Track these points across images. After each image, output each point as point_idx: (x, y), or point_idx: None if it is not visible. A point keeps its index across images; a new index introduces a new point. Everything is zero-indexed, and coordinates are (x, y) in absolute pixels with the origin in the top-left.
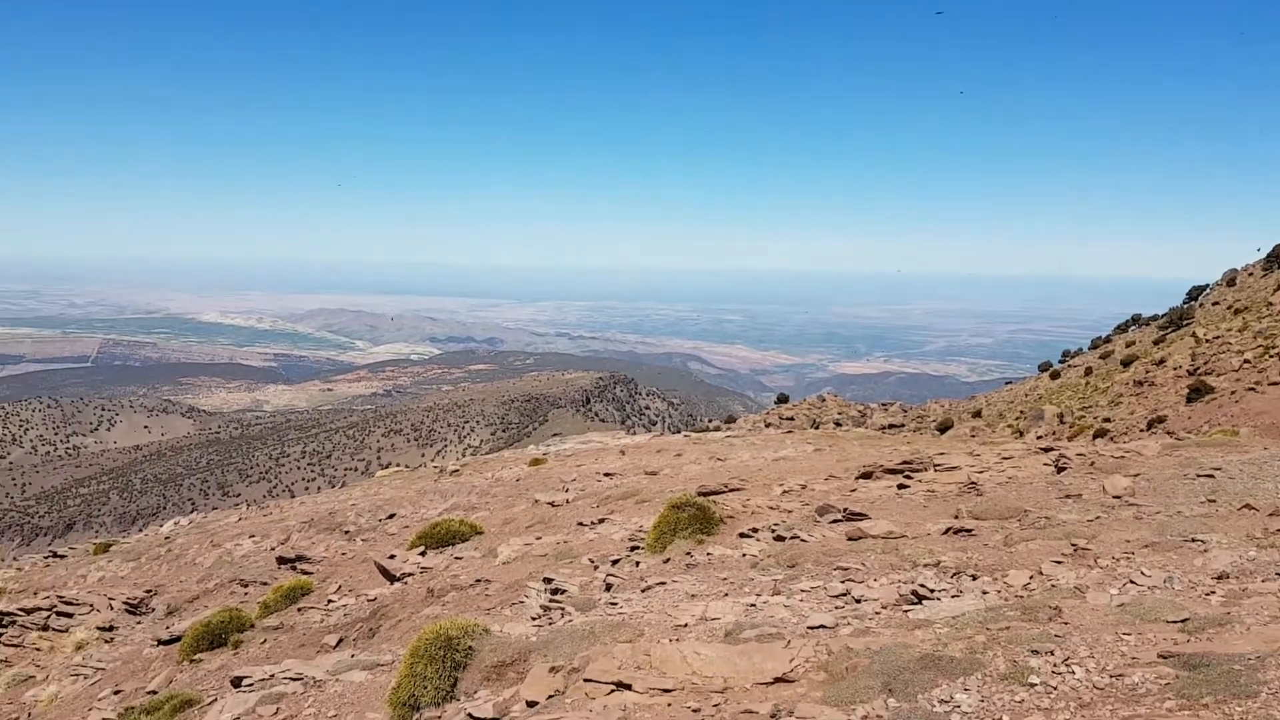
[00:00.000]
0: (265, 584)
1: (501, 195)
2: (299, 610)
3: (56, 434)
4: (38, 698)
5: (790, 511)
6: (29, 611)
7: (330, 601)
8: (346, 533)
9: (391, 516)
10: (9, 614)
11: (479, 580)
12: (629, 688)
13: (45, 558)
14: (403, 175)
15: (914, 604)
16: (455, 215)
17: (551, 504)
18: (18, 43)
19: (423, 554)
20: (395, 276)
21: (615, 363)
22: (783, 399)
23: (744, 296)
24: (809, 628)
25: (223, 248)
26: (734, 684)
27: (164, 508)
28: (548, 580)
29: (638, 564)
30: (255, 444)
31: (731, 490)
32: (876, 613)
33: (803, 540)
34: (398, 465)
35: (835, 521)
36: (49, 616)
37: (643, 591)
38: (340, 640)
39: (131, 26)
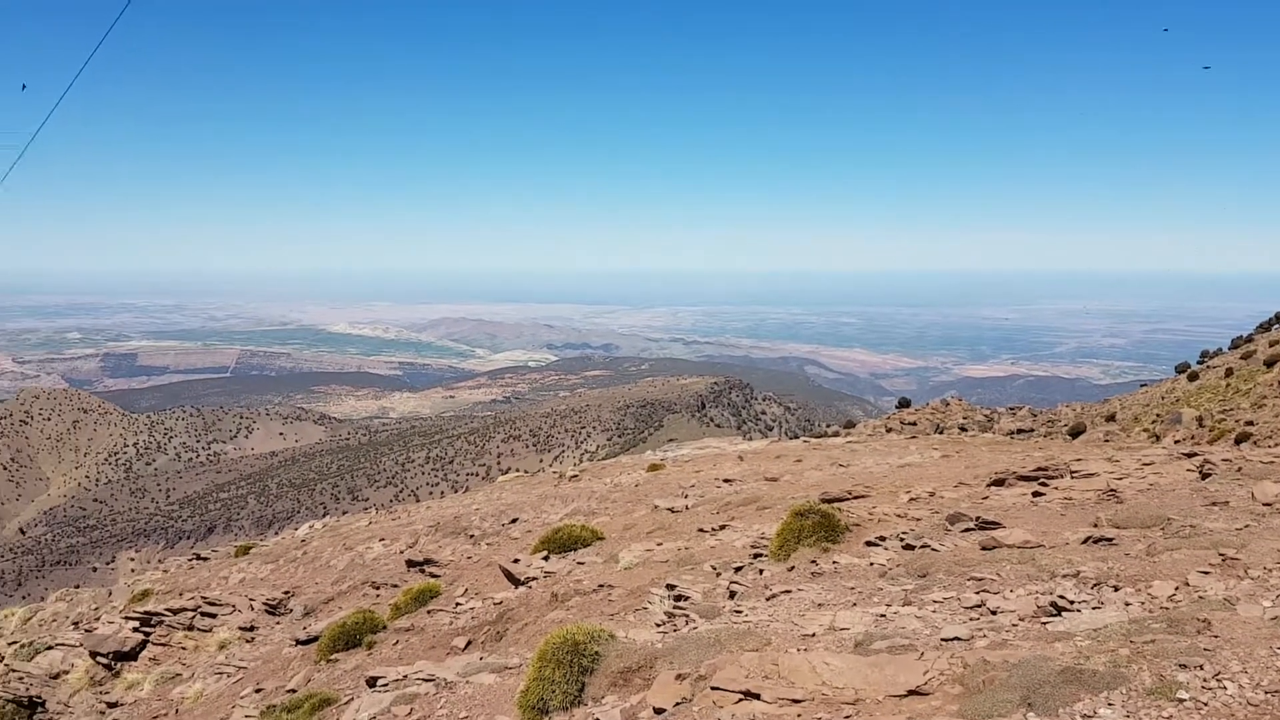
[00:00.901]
0: (395, 586)
1: (622, 203)
2: (428, 613)
3: (198, 441)
4: (184, 695)
5: (919, 520)
6: (175, 612)
7: (458, 604)
8: (471, 537)
9: (514, 521)
10: (157, 614)
11: (601, 585)
12: (757, 697)
13: (189, 560)
14: (526, 187)
15: (1053, 616)
16: (573, 223)
17: (671, 510)
18: (186, 65)
19: (545, 559)
20: (513, 286)
21: (730, 367)
22: (904, 403)
23: (862, 298)
24: (943, 639)
25: (352, 260)
26: (865, 696)
27: (298, 512)
28: (670, 587)
29: (761, 572)
30: (382, 450)
31: (856, 497)
32: (1013, 625)
33: (933, 549)
34: (517, 470)
35: (967, 530)
36: (194, 617)
37: (768, 600)
38: (469, 643)
39: (291, 32)
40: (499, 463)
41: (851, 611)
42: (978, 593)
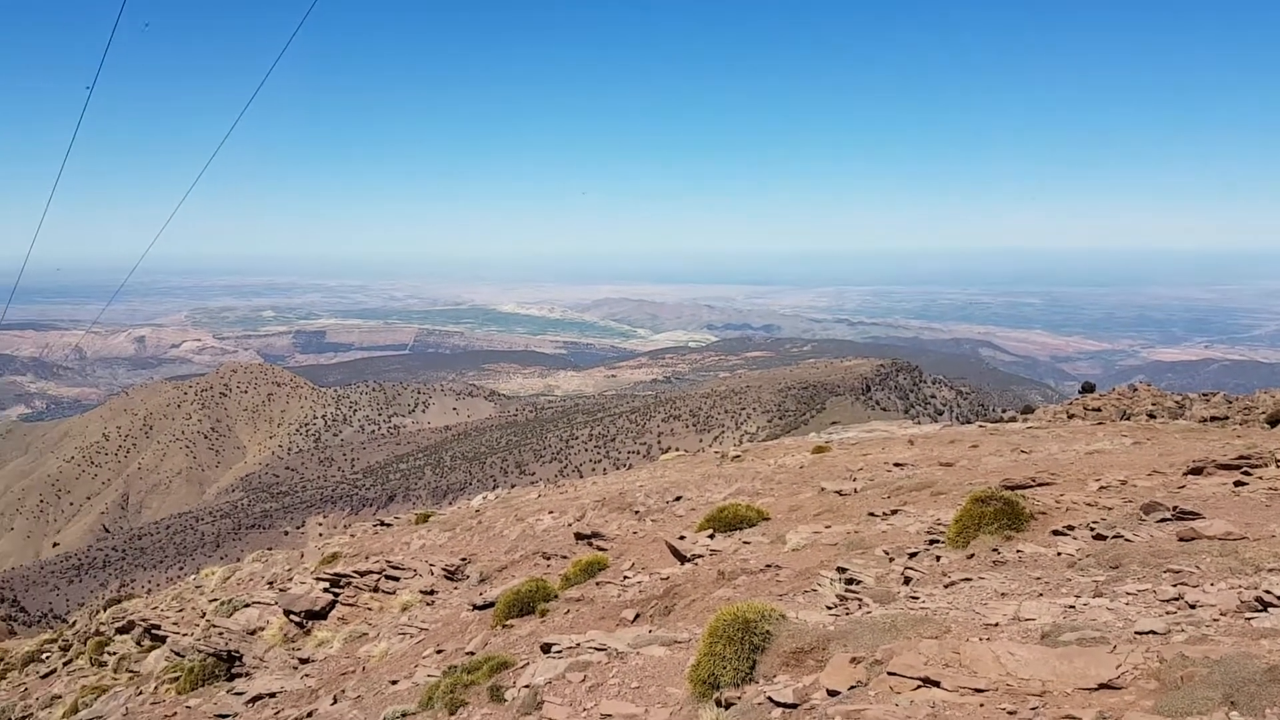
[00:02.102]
0: (565, 557)
1: (789, 181)
2: (597, 584)
3: (380, 414)
4: (370, 653)
5: (1110, 509)
6: (362, 574)
7: (626, 578)
8: (636, 513)
9: (678, 499)
10: (345, 576)
11: (769, 566)
12: (937, 685)
13: (374, 526)
14: (688, 168)
15: (1258, 611)
16: (732, 203)
17: (839, 493)
18: (367, 52)
19: (711, 537)
20: (675, 266)
21: (898, 349)
22: (1088, 388)
23: (1044, 277)
24: (1136, 633)
25: (522, 242)
26: (1053, 688)
27: (470, 483)
28: (841, 570)
29: (938, 558)
30: (548, 426)
31: (1040, 485)
32: (1214, 619)
33: (1126, 540)
34: (677, 450)
35: (1163, 520)
36: (379, 580)
37: (946, 587)
38: (637, 615)
39: (477, 29)
40: (659, 442)
41: (1037, 602)
42: (1175, 585)
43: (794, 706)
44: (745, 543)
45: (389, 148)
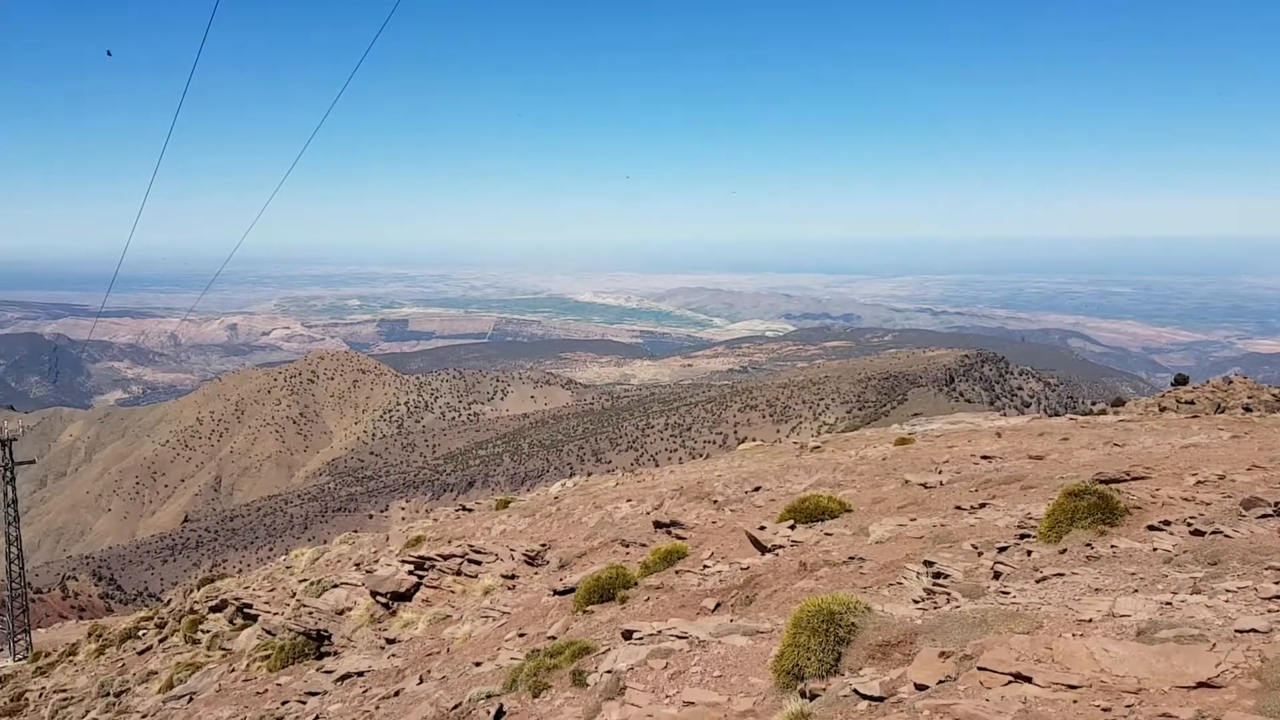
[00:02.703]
0: (644, 545)
1: (868, 169)
2: (676, 573)
3: (460, 401)
4: (454, 635)
5: (1208, 504)
6: (445, 558)
7: (705, 567)
8: (715, 502)
9: (757, 489)
10: (429, 559)
11: (852, 558)
12: (1029, 680)
13: (456, 511)
14: (766, 156)
15: None
16: (811, 191)
17: (924, 485)
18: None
19: (791, 528)
20: (751, 256)
21: (982, 339)
22: (1181, 380)
23: (1135, 266)
24: (1237, 631)
25: (597, 232)
26: (1149, 685)
27: (547, 471)
28: (928, 563)
29: (1029, 553)
30: (623, 415)
31: (1135, 479)
32: None
33: (1226, 536)
34: (753, 440)
35: (1264, 516)
36: (461, 563)
37: (1037, 582)
38: (717, 604)
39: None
40: (735, 432)
41: (1133, 598)
42: (1276, 583)
43: (881, 700)
44: (827, 534)
45: (468, 138)
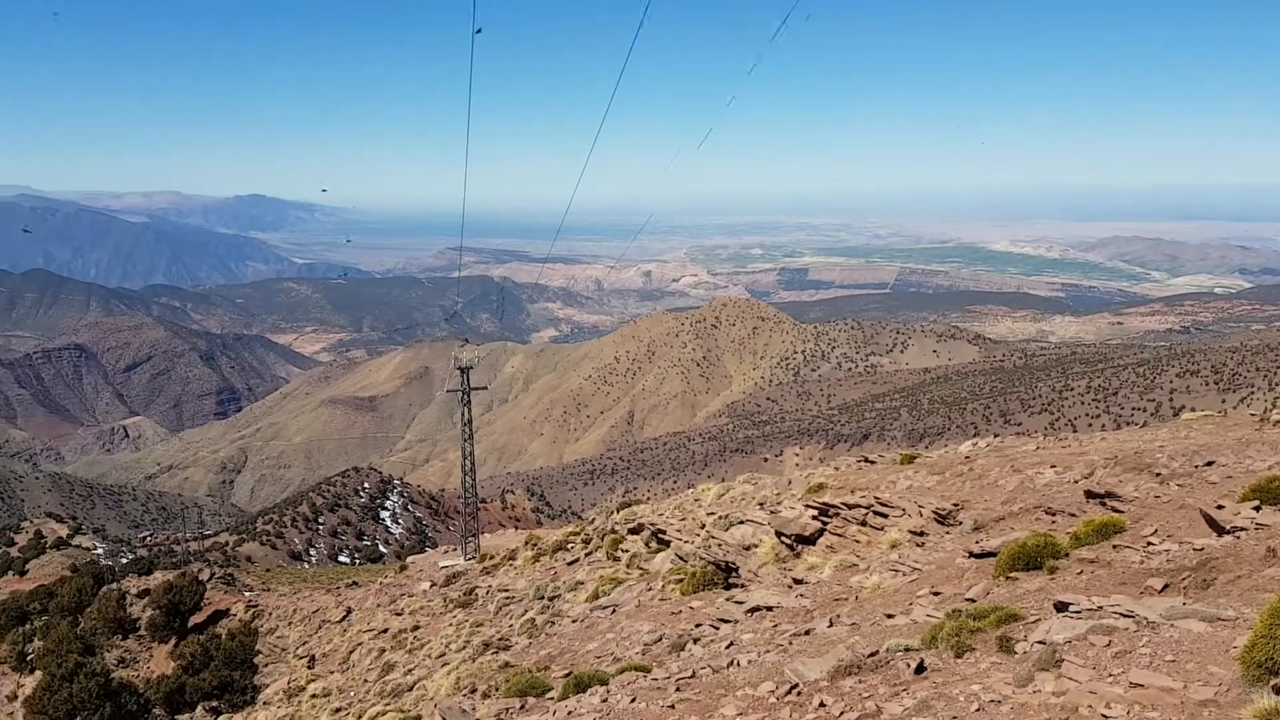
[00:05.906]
0: (1073, 515)
1: None
2: (1113, 548)
3: (858, 353)
4: (862, 584)
5: None
6: (850, 507)
7: (1149, 544)
8: (1157, 475)
9: (1209, 464)
10: (833, 507)
11: None
12: None
13: (857, 462)
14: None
15: None
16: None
17: None
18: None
19: (1256, 509)
20: (1199, 202)
21: None
22: None
23: None
24: None
25: (1018, 176)
26: None
27: (948, 429)
28: None
29: None
30: (1038, 375)
31: None
32: None
33: None
34: (1192, 409)
35: None
36: (866, 514)
37: None
38: (1165, 585)
39: None
40: (1170, 400)
41: None
42: None
43: None
44: None
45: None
